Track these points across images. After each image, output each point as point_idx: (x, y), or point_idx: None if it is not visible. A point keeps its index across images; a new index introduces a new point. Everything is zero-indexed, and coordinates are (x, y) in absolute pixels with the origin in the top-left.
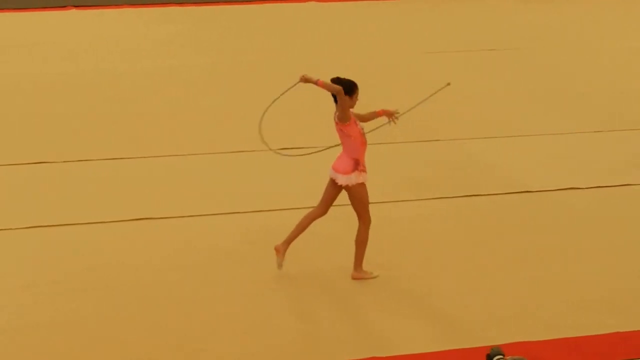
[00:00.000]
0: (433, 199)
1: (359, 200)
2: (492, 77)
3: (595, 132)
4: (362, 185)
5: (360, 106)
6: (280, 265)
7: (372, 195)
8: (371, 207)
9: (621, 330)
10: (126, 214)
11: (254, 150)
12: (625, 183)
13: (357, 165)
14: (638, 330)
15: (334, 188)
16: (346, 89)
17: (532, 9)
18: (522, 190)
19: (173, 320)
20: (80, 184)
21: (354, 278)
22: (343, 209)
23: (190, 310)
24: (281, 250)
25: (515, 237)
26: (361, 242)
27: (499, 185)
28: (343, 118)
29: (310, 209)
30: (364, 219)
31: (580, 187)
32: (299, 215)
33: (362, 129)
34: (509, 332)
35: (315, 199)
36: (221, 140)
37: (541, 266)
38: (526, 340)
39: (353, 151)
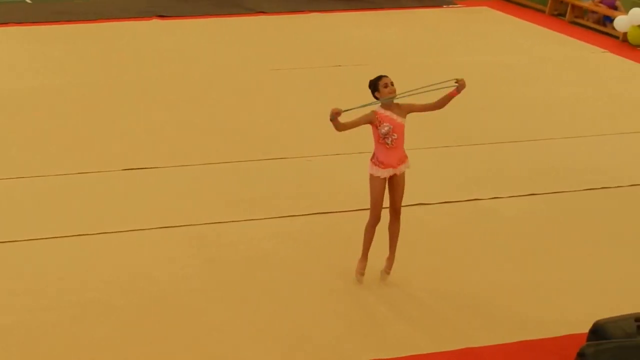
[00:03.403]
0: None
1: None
2: (339, 92)
3: (444, 147)
4: (374, 178)
5: (212, 129)
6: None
7: None
8: None
9: None
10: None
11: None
12: (474, 198)
13: (373, 157)
14: None
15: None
16: (372, 89)
17: (376, 24)
18: (365, 208)
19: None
20: None
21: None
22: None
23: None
24: (360, 262)
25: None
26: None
27: (346, 201)
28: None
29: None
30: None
31: (430, 202)
32: None
33: (386, 133)
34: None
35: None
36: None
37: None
38: None
39: (375, 145)
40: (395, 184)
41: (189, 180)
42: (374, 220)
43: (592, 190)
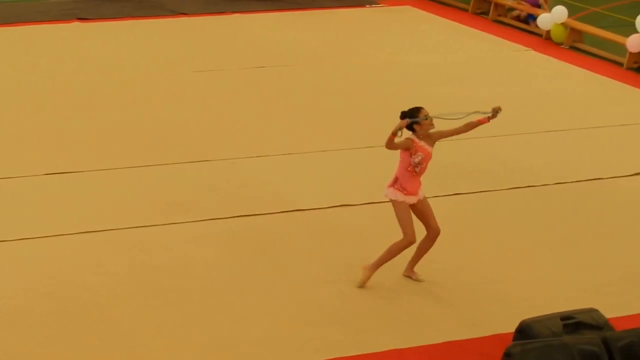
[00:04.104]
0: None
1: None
2: (262, 94)
3: (369, 147)
4: (399, 203)
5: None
6: (362, 284)
7: None
8: None
9: None
10: None
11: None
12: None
13: (395, 183)
14: None
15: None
16: (410, 117)
17: (298, 25)
18: (294, 209)
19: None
20: None
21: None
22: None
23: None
24: (367, 271)
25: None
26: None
27: (271, 204)
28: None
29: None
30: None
31: (352, 203)
32: None
33: (418, 163)
34: None
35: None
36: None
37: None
38: None
39: (399, 171)
40: (422, 208)
41: (113, 185)
42: (408, 243)
43: (517, 189)
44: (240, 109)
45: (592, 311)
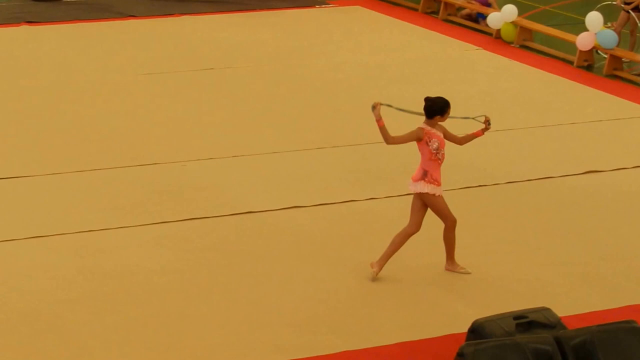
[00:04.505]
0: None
1: (434, 208)
2: (212, 96)
3: (319, 149)
4: (434, 196)
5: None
6: (374, 277)
7: None
8: None
9: None
10: None
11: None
12: (349, 199)
13: (425, 176)
14: None
15: (415, 199)
16: (439, 108)
17: (247, 26)
18: (246, 211)
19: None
20: None
21: (446, 270)
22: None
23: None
24: (376, 266)
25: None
26: (447, 240)
27: (222, 206)
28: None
29: None
30: (445, 223)
31: (304, 205)
32: None
33: (437, 148)
34: None
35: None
36: None
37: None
38: None
39: (424, 163)
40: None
41: (61, 189)
42: (415, 231)
43: (468, 189)
44: (190, 112)
45: (545, 310)
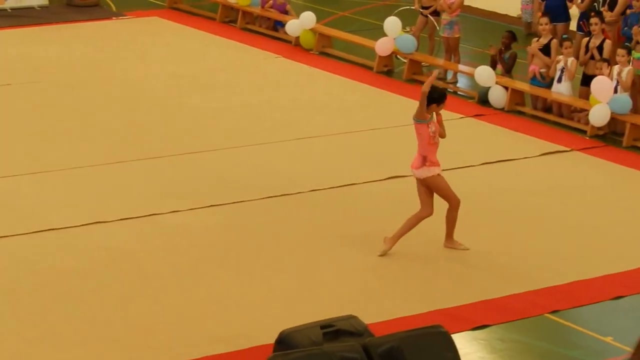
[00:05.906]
0: None
1: (437, 189)
2: (10, 112)
3: (119, 162)
4: (435, 177)
5: None
6: (383, 253)
7: None
8: None
9: None
10: None
11: None
12: (152, 213)
13: (425, 161)
14: None
15: (419, 185)
16: (437, 96)
17: (42, 40)
18: (48, 229)
19: None
20: None
21: (445, 247)
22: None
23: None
24: (388, 243)
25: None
26: (449, 219)
27: (24, 221)
28: (417, 116)
29: None
30: (449, 203)
31: (108, 220)
32: None
33: (434, 132)
34: None
35: None
36: None
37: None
38: None
39: (422, 149)
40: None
41: None
42: (428, 214)
43: (273, 198)
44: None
45: (352, 318)
